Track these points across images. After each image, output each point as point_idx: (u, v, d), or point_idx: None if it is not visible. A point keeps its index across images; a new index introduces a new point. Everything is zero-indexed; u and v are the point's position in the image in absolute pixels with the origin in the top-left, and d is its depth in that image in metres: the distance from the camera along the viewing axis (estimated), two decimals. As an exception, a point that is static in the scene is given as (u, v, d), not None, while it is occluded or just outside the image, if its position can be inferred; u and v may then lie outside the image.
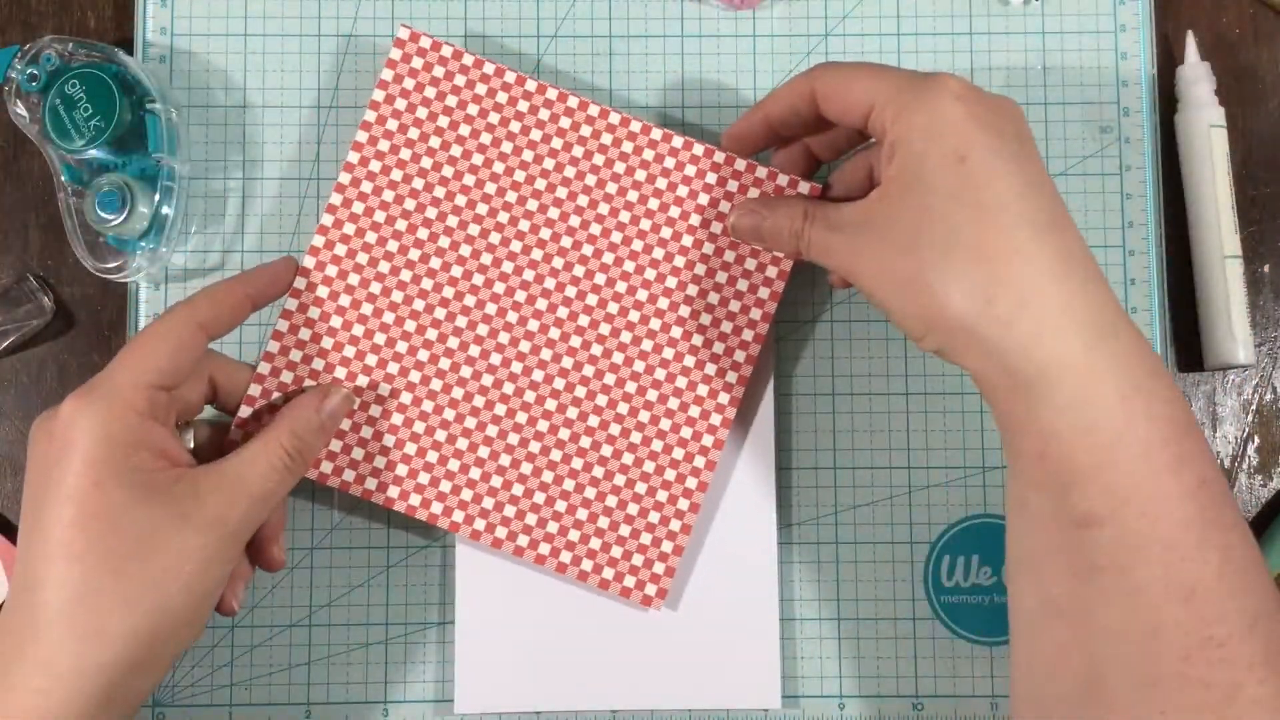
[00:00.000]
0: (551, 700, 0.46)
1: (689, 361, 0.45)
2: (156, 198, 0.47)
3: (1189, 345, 0.49)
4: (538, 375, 0.44)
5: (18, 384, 0.49)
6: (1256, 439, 0.50)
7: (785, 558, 0.48)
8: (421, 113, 0.44)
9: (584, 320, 0.44)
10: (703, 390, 0.44)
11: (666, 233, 0.44)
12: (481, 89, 0.44)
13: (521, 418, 0.44)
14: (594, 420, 0.44)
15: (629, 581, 0.45)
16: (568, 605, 0.46)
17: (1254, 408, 0.50)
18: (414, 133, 0.44)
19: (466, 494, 0.44)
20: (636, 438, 0.44)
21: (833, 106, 0.40)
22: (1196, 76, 0.49)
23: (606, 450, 0.44)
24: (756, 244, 0.44)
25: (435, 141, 0.44)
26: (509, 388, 0.44)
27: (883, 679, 0.48)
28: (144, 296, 0.48)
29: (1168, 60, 0.50)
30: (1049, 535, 0.35)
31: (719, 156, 0.45)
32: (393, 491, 0.44)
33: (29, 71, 0.46)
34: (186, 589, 0.36)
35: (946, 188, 0.36)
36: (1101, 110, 0.50)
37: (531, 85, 0.44)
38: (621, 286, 0.44)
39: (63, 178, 0.47)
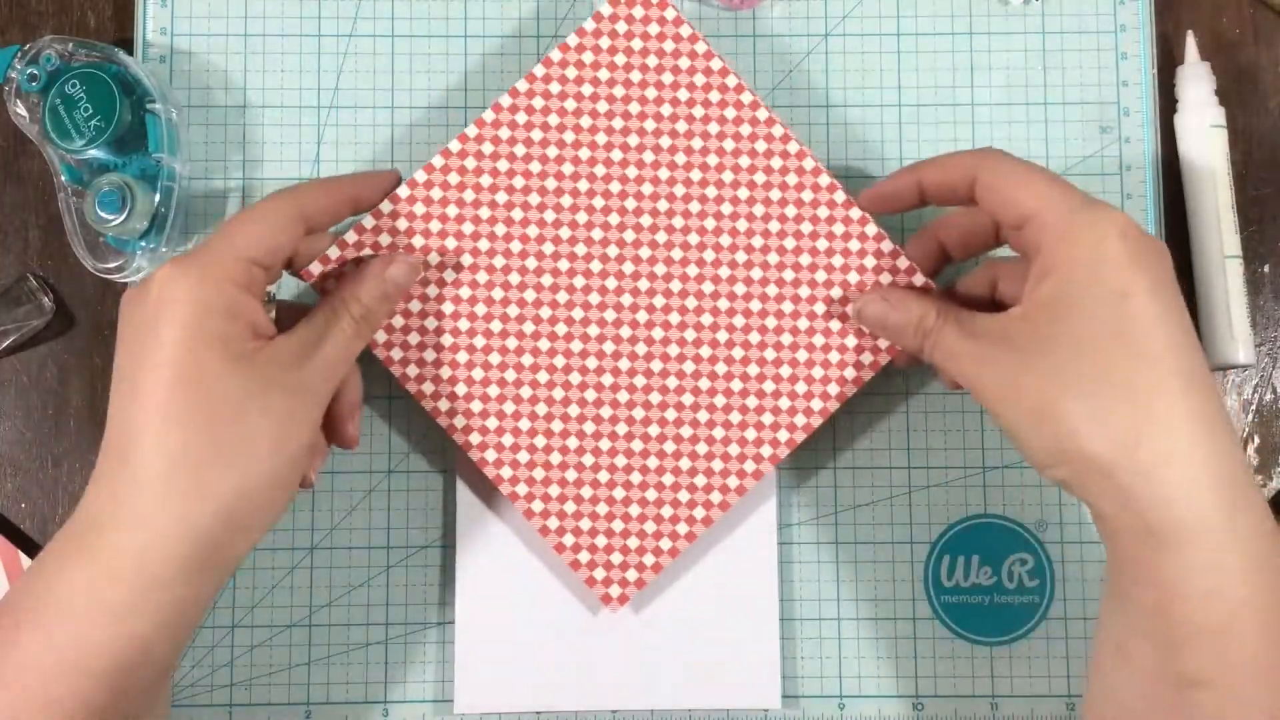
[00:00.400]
0: (551, 700, 0.46)
1: (751, 402, 0.45)
2: (156, 198, 0.47)
3: (1189, 345, 0.49)
4: (608, 346, 0.45)
5: (18, 384, 0.49)
6: (1256, 439, 0.50)
7: (785, 558, 0.48)
8: (620, 59, 0.45)
9: (674, 318, 0.45)
10: (751, 435, 0.45)
11: (789, 275, 0.45)
12: (685, 62, 0.45)
13: (575, 378, 0.45)
14: (639, 413, 0.45)
15: (599, 574, 0.45)
16: (568, 605, 0.47)
17: (1254, 408, 0.50)
18: (601, 77, 0.45)
19: (492, 422, 0.45)
20: (670, 448, 0.45)
21: (992, 199, 0.39)
22: (1196, 76, 0.49)
23: (637, 445, 0.45)
24: (879, 333, 0.44)
25: (619, 91, 0.45)
26: (577, 345, 0.45)
27: (883, 679, 0.48)
28: (144, 296, 0.48)
29: (1168, 60, 0.50)
30: (1150, 691, 0.35)
31: (870, 229, 0.44)
32: (427, 387, 0.44)
33: (29, 71, 0.46)
34: (275, 451, 0.37)
35: (1103, 325, 0.35)
36: (1101, 110, 0.50)
37: (732, 81, 0.45)
38: (724, 304, 0.45)
39: (63, 178, 0.47)
